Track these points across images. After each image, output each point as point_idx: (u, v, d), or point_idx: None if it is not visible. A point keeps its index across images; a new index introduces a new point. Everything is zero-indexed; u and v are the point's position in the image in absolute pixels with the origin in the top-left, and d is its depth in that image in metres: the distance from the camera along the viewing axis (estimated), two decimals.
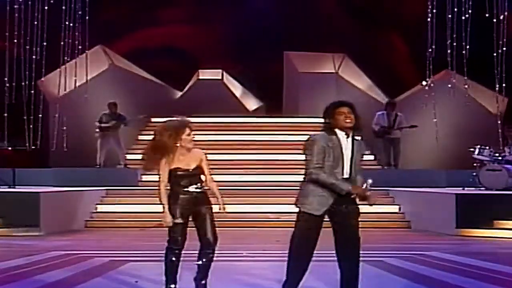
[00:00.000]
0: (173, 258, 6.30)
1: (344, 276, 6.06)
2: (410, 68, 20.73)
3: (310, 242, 5.97)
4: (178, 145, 6.25)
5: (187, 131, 6.29)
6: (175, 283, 6.34)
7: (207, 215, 6.30)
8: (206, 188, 6.40)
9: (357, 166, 5.99)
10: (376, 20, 21.43)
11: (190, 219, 6.34)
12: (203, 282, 6.35)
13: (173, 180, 6.30)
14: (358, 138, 6.08)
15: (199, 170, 6.33)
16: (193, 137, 6.31)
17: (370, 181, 5.91)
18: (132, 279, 7.47)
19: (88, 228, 13.41)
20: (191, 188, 6.28)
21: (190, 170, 6.28)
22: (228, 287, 7.18)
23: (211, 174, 6.45)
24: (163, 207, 6.26)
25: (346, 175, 5.93)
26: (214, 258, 6.36)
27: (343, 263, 6.06)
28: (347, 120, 5.92)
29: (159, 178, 6.29)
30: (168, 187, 6.34)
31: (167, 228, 6.31)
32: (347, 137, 5.96)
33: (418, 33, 17.11)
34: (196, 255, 6.38)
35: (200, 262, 6.31)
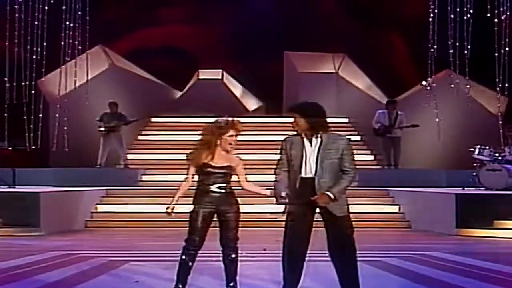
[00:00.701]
0: (187, 259, 6.23)
1: (341, 278, 6.06)
2: (410, 68, 20.74)
3: (298, 238, 5.97)
4: (218, 143, 6.24)
5: (230, 132, 6.24)
6: (184, 284, 6.28)
7: (231, 216, 6.24)
8: (232, 188, 6.32)
9: (341, 166, 5.95)
10: (376, 20, 21.43)
11: (215, 219, 6.29)
12: (231, 284, 6.31)
13: (200, 177, 6.28)
14: (340, 135, 6.09)
15: (228, 169, 6.25)
16: (234, 141, 6.25)
17: (283, 193, 5.94)
18: (132, 279, 7.47)
19: (88, 228, 13.40)
20: (214, 188, 6.22)
21: (217, 167, 6.21)
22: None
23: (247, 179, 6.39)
24: (173, 199, 6.30)
25: (307, 174, 5.94)
26: (214, 258, 6.34)
27: (336, 264, 6.07)
28: (294, 127, 6.03)
29: (187, 171, 6.33)
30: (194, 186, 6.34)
31: (181, 229, 6.27)
32: (311, 137, 5.98)
33: (418, 33, 17.11)
34: (205, 255, 6.37)
35: (225, 262, 6.30)
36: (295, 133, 6.08)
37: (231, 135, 6.25)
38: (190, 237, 6.24)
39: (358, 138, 17.55)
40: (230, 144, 6.25)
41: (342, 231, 5.99)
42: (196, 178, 6.35)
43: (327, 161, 5.92)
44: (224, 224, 6.26)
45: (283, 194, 5.93)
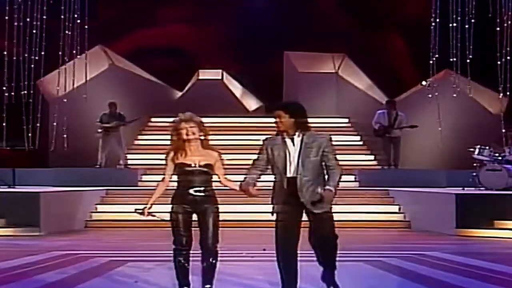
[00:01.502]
0: (182, 260, 6.19)
1: (321, 264, 6.16)
2: (410, 68, 20.73)
3: (289, 238, 5.97)
4: (182, 139, 6.21)
5: (182, 124, 6.22)
6: (188, 285, 6.24)
7: (210, 218, 6.17)
8: (211, 189, 6.26)
9: (325, 164, 5.95)
10: (376, 20, 21.42)
11: (195, 218, 6.24)
12: (207, 286, 6.22)
13: (179, 178, 6.25)
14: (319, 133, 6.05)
15: (208, 168, 6.21)
16: (191, 131, 6.19)
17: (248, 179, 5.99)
18: (132, 279, 7.47)
19: (88, 228, 13.40)
20: (191, 191, 6.16)
21: (193, 166, 6.17)
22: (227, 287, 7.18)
23: (225, 174, 6.34)
24: (149, 199, 6.32)
25: (292, 174, 5.93)
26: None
27: (316, 251, 6.14)
28: (277, 126, 5.98)
29: (164, 172, 6.31)
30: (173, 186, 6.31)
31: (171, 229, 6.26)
32: (293, 136, 5.96)
33: (418, 33, 17.11)
34: (197, 255, 6.36)
35: (203, 265, 6.21)
36: (275, 133, 6.05)
37: (184, 127, 6.21)
38: (176, 238, 6.21)
39: (357, 138, 17.55)
40: (187, 134, 6.21)
41: (323, 223, 5.99)
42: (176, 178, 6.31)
43: (308, 159, 5.92)
44: (203, 225, 6.19)
45: (249, 180, 5.96)
